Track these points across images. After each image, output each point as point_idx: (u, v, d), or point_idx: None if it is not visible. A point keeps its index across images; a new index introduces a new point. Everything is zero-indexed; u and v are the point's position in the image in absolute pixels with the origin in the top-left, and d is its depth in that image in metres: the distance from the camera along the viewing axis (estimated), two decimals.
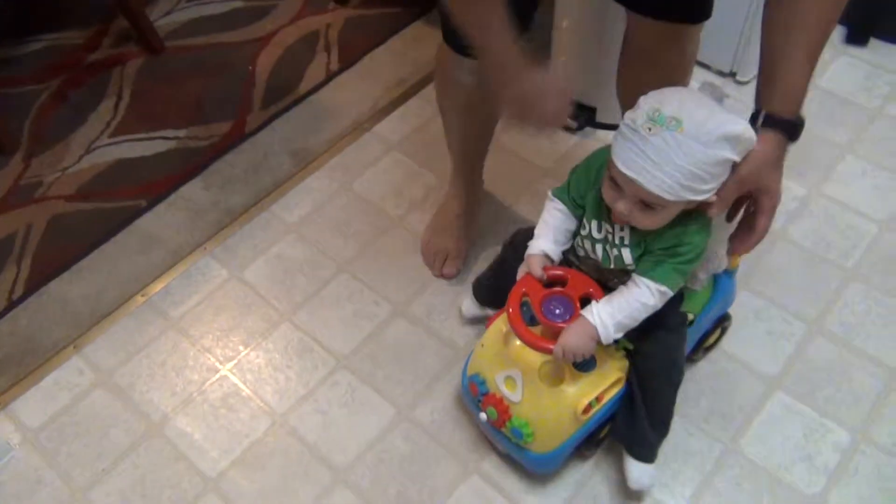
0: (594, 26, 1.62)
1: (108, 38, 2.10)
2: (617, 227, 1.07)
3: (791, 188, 1.66)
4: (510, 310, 1.08)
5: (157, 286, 1.58)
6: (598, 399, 1.17)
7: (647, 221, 1.01)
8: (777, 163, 1.02)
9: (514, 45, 1.03)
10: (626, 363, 1.19)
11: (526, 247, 1.15)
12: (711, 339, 1.40)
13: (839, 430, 1.34)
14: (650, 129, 0.93)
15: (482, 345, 1.24)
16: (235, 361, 1.47)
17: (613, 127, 1.78)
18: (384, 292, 1.55)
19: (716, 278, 1.29)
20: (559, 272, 1.12)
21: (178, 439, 1.38)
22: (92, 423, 1.40)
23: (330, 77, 1.96)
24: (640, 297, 1.05)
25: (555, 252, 1.14)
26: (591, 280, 1.11)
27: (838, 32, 1.94)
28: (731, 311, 1.42)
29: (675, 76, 1.31)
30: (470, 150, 1.52)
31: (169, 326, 1.52)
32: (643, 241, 1.06)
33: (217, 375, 1.45)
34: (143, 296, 1.57)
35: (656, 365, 1.18)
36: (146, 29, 2.01)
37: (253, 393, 1.43)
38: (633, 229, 1.06)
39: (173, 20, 2.13)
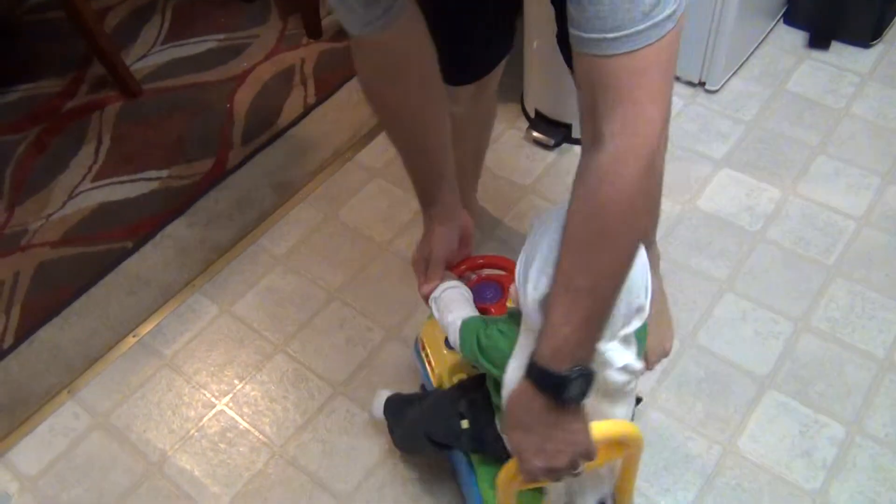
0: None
1: (85, 85, 2.11)
2: None
3: (767, 190, 1.69)
4: None
5: (148, 326, 1.58)
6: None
7: None
8: (522, 420, 0.85)
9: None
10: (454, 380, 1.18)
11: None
12: None
13: (834, 425, 1.36)
14: None
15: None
16: (231, 395, 1.47)
17: None
18: (376, 317, 1.55)
19: None
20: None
21: (178, 477, 1.37)
22: (90, 466, 1.39)
23: (308, 110, 1.98)
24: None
25: None
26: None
27: (801, 37, 2.00)
28: (719, 313, 1.44)
29: None
30: (464, 175, 1.53)
31: (162, 365, 1.52)
32: None
33: (214, 411, 1.45)
34: (134, 336, 1.56)
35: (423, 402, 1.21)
36: (123, 73, 2.02)
37: (251, 426, 1.43)
38: None
39: (149, 63, 2.15)
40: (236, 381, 1.49)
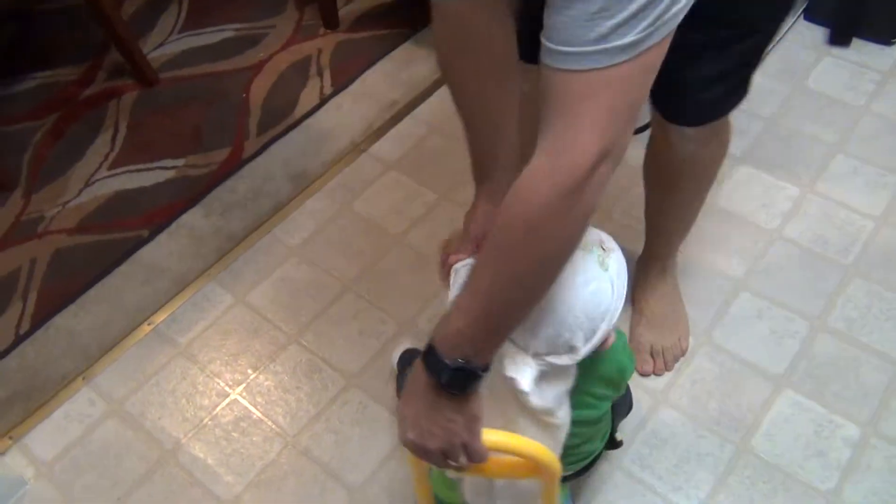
0: None
1: (102, 73, 2.11)
2: None
3: (784, 188, 1.68)
4: None
5: (163, 314, 1.58)
6: None
7: None
8: (410, 388, 0.86)
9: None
10: None
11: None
12: None
13: (849, 426, 1.35)
14: (608, 255, 0.93)
15: None
16: (245, 385, 1.48)
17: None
18: (389, 310, 1.55)
19: None
20: None
21: (191, 465, 1.38)
22: (105, 453, 1.40)
23: (324, 101, 1.98)
24: None
25: None
26: None
27: (821, 34, 1.98)
28: (734, 311, 1.43)
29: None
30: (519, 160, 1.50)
31: (177, 353, 1.53)
32: None
33: (227, 400, 1.46)
34: (149, 324, 1.57)
35: None
36: (140, 62, 2.03)
37: (264, 415, 1.43)
38: None
39: (166, 52, 2.15)
40: (250, 371, 1.49)
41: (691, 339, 1.46)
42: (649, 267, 1.46)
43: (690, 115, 1.13)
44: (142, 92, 2.05)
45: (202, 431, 1.42)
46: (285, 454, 1.38)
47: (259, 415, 1.43)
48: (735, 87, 1.12)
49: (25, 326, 1.58)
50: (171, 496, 1.34)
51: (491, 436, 0.88)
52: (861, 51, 1.94)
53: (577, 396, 0.97)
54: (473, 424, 0.86)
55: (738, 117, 1.81)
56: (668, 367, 1.43)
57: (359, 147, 1.86)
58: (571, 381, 0.93)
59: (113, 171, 1.87)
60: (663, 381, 1.42)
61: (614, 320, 0.91)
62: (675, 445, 1.34)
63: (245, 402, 1.45)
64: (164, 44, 2.18)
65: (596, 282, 0.88)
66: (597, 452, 1.11)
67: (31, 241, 1.74)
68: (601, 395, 1.01)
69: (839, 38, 1.96)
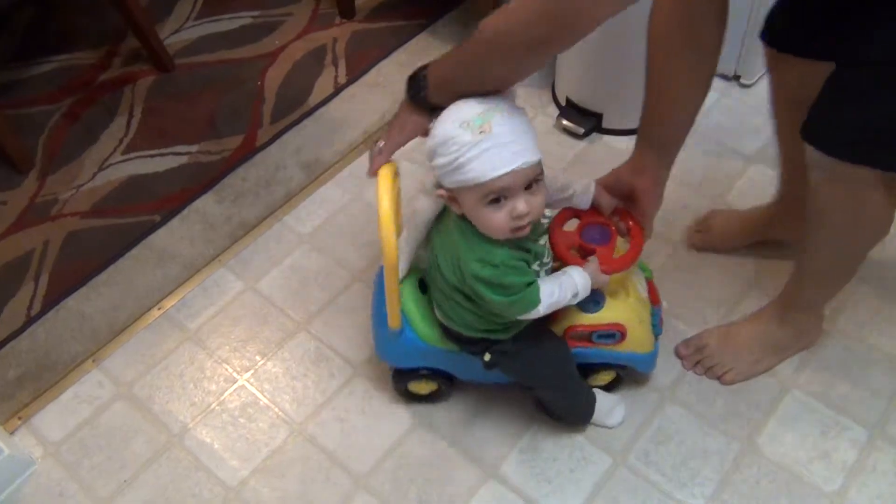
0: (599, 31, 1.63)
1: (119, 58, 2.12)
2: (548, 255, 1.13)
3: None
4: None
5: (173, 299, 1.59)
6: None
7: (539, 201, 1.04)
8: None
9: None
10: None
11: None
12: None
13: (856, 427, 1.34)
14: (483, 132, 0.96)
15: None
16: (252, 371, 1.48)
17: (620, 133, 1.80)
18: None
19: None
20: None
21: (198, 449, 1.39)
22: (113, 435, 1.42)
23: (338, 90, 1.98)
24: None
25: None
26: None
27: None
28: (744, 310, 1.42)
29: None
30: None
31: (186, 338, 1.54)
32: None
33: (235, 386, 1.47)
34: (159, 309, 1.58)
35: None
36: (156, 47, 2.03)
37: (271, 402, 1.44)
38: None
39: (182, 38, 2.16)
40: (258, 358, 1.50)
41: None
42: (781, 295, 1.40)
43: (809, 129, 1.07)
44: (158, 78, 2.06)
45: (209, 416, 1.43)
46: (291, 441, 1.39)
47: (266, 401, 1.44)
48: (882, 146, 1.02)
49: (37, 308, 1.59)
50: (177, 479, 1.35)
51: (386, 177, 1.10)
52: None
53: (446, 245, 1.12)
54: (397, 124, 1.10)
55: (754, 117, 1.82)
56: (695, 371, 1.42)
57: (372, 137, 1.86)
58: (430, 192, 1.11)
59: (127, 156, 1.88)
60: (671, 378, 1.41)
61: (447, 168, 1.00)
62: (681, 442, 1.34)
63: (252, 389, 1.46)
64: (181, 30, 2.18)
65: (490, 143, 0.96)
66: (458, 331, 1.18)
67: (44, 223, 1.75)
68: (452, 267, 1.10)
69: None
